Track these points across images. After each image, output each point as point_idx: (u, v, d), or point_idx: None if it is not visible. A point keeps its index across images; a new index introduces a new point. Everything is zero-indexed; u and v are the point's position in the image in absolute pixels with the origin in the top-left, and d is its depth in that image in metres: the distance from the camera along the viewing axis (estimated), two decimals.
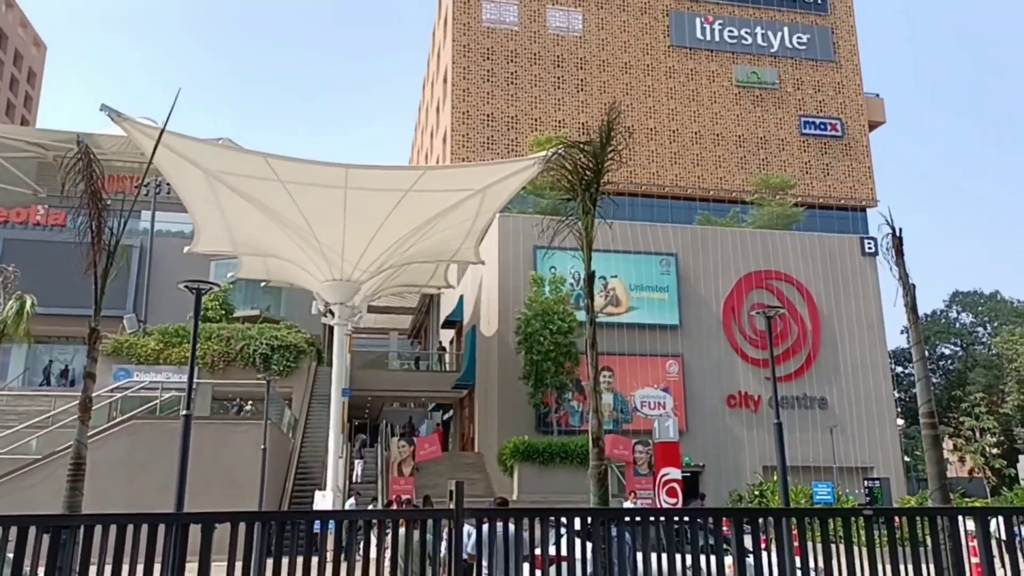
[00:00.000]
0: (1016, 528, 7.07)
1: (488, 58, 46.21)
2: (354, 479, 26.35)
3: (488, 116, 45.34)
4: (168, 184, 26.26)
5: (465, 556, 6.96)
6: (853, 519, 6.84)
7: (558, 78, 46.88)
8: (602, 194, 12.21)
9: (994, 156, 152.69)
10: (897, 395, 43.45)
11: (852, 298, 33.84)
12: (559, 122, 45.09)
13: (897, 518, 7.37)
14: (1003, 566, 6.96)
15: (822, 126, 49.15)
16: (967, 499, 26.10)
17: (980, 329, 57.41)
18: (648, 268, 32.15)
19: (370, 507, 21.90)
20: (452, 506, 5.96)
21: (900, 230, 11.28)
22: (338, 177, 19.64)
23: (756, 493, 26.40)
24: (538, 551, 6.28)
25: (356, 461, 27.56)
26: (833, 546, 6.53)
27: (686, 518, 7.07)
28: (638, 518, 6.85)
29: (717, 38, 49.43)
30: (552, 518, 6.51)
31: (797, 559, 6.62)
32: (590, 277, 11.64)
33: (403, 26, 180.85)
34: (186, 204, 22.64)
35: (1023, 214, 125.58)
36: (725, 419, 31.32)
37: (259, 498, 19.75)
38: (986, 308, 57.18)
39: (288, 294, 36.84)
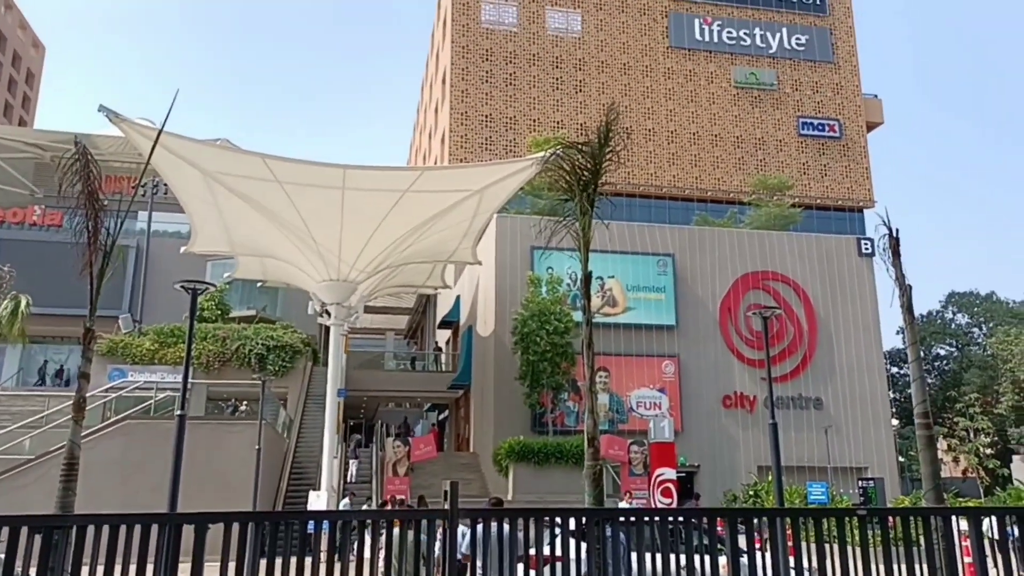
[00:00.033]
0: (1009, 528, 7.09)
1: (487, 59, 46.23)
2: (349, 479, 26.32)
3: (486, 117, 45.35)
4: (165, 184, 26.21)
5: (459, 556, 6.96)
6: (847, 519, 6.85)
7: (556, 79, 46.91)
8: (600, 195, 12.22)
9: (992, 157, 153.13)
10: (892, 395, 43.55)
11: (848, 299, 33.90)
12: (557, 123, 45.12)
13: (891, 518, 7.39)
14: (996, 566, 6.98)
15: (820, 127, 49.25)
16: (961, 499, 26.13)
17: (976, 330, 57.52)
18: (645, 268, 32.18)
19: (364, 507, 21.87)
20: (447, 506, 5.96)
21: (897, 231, 11.31)
22: (336, 178, 19.63)
23: (751, 493, 26.42)
24: (533, 551, 6.27)
25: (351, 461, 27.53)
26: (827, 546, 6.53)
27: (681, 518, 7.07)
28: (633, 518, 6.86)
29: (716, 39, 49.51)
30: (547, 518, 6.51)
31: (791, 559, 6.63)
32: (587, 277, 11.65)
33: (402, 27, 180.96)
34: (183, 204, 22.61)
35: (1020, 215, 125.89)
36: (721, 419, 31.35)
37: (253, 498, 19.73)
38: (982, 309, 57.30)
39: (284, 294, 36.80)
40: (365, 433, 38.72)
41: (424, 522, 6.71)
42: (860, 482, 26.52)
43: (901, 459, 41.68)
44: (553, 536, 6.41)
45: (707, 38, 49.42)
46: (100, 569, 5.25)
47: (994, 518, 7.38)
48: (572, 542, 6.26)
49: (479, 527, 6.31)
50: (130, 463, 20.77)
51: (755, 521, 7.14)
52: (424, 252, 25.38)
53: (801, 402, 32.14)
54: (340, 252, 22.09)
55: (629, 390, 30.76)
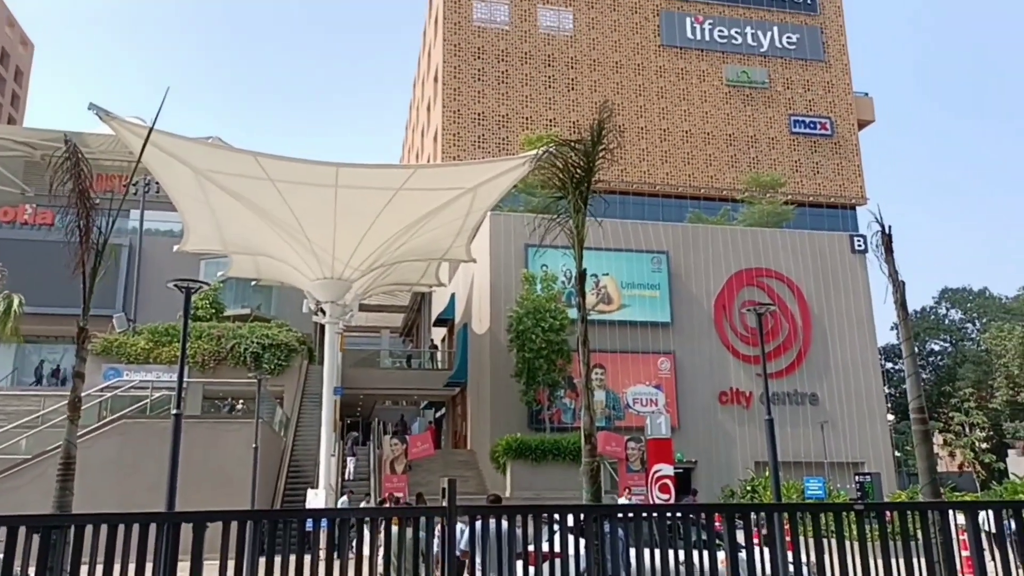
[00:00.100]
0: (1005, 521, 7.12)
1: (479, 57, 46.17)
2: (347, 477, 26.31)
3: (479, 115, 45.31)
4: (157, 183, 26.13)
5: (458, 553, 6.96)
6: (844, 514, 6.88)
7: (549, 77, 46.90)
8: (593, 192, 12.23)
9: (984, 153, 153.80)
10: (887, 391, 43.71)
11: (842, 295, 34.01)
12: (550, 121, 45.10)
13: (888, 513, 7.41)
14: (993, 559, 7.01)
15: (812, 125, 49.36)
16: (957, 493, 26.25)
17: (969, 325, 57.78)
18: (639, 266, 32.22)
19: (362, 505, 21.86)
20: (445, 503, 5.96)
21: (889, 228, 11.36)
22: (328, 176, 19.60)
23: (748, 489, 26.49)
24: (531, 548, 6.28)
25: (348, 459, 27.52)
26: (825, 541, 6.55)
27: (679, 514, 7.09)
28: (631, 514, 6.87)
29: (707, 38, 49.56)
30: (545, 515, 6.52)
31: (789, 554, 6.65)
32: (581, 275, 11.66)
33: (394, 25, 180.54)
34: (175, 203, 22.55)
35: (1014, 211, 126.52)
36: (717, 415, 31.43)
37: (251, 497, 19.70)
38: (975, 304, 57.56)
39: (279, 293, 36.75)
40: (362, 431, 38.73)
41: (423, 519, 6.71)
42: (857, 477, 26.61)
43: (897, 454, 41.85)
44: (551, 532, 6.42)
45: (698, 36, 49.46)
46: (99, 568, 5.23)
47: (990, 512, 7.41)
48: (570, 538, 6.27)
49: (477, 524, 6.31)
50: (127, 462, 20.71)
51: (753, 516, 7.15)
52: (418, 250, 25.38)
53: (797, 398, 32.25)
54: (334, 250, 22.06)
55: (625, 387, 30.82)
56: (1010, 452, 46.81)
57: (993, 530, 7.27)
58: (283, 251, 22.70)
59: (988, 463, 47.85)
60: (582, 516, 6.48)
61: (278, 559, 5.56)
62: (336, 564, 5.76)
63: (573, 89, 47.02)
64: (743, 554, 6.56)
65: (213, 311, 32.98)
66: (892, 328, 52.04)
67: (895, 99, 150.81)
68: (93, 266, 10.45)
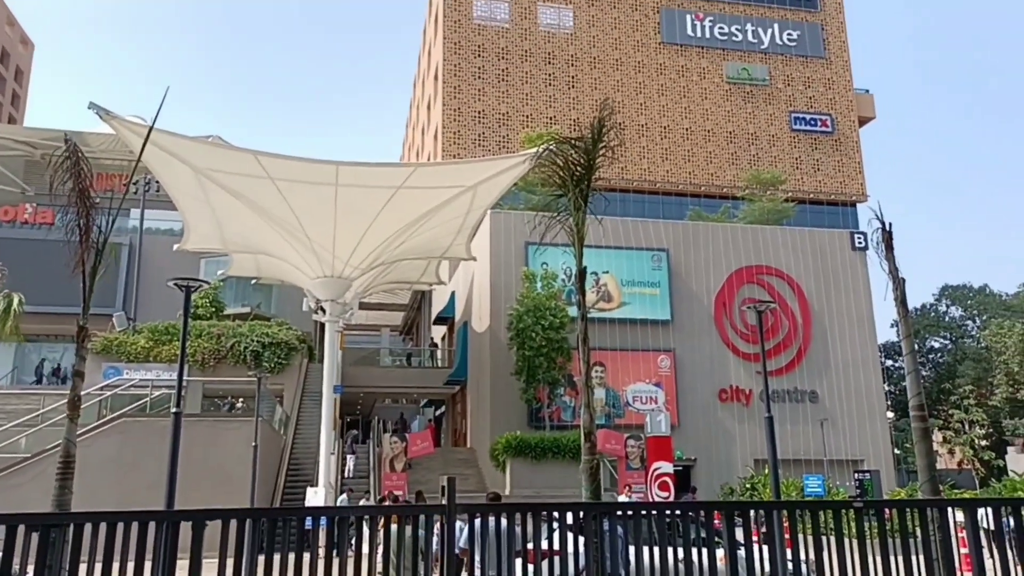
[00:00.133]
0: (1004, 519, 7.12)
1: (479, 55, 46.16)
2: (346, 475, 26.34)
3: (479, 113, 45.30)
4: (157, 182, 26.13)
5: (457, 551, 6.96)
6: (844, 511, 6.88)
7: (549, 75, 46.88)
8: (593, 190, 12.22)
9: (985, 150, 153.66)
10: (887, 388, 43.73)
11: (842, 292, 34.00)
12: (550, 119, 45.07)
13: (887, 510, 7.41)
14: (991, 557, 7.01)
15: (812, 122, 49.35)
16: (956, 491, 26.26)
17: (969, 322, 57.81)
18: (640, 263, 32.21)
19: (361, 503, 21.88)
20: (444, 501, 5.96)
21: (889, 225, 11.34)
22: (328, 174, 19.59)
23: (747, 486, 26.51)
24: (531, 546, 6.28)
25: (348, 457, 27.55)
26: (824, 538, 6.56)
27: (678, 512, 7.09)
28: (630, 512, 6.88)
29: (708, 35, 49.53)
30: (544, 513, 6.52)
31: (788, 551, 6.65)
32: (582, 273, 11.66)
33: (394, 24, 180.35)
34: (175, 202, 22.55)
35: (1014, 208, 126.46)
36: (717, 413, 31.44)
37: (251, 495, 19.70)
38: (975, 302, 57.57)
39: (279, 291, 36.78)
40: (362, 429, 38.76)
41: (422, 517, 6.71)
42: (856, 475, 26.61)
43: (897, 451, 41.86)
44: (551, 530, 6.42)
45: (699, 34, 49.43)
46: (98, 567, 5.23)
47: (989, 509, 7.42)
48: (570, 536, 6.27)
49: (477, 522, 6.31)
50: (126, 461, 20.72)
51: (752, 514, 7.16)
52: (418, 248, 25.37)
53: (796, 395, 32.25)
54: (334, 249, 22.06)
55: (625, 385, 30.82)
56: (1009, 449, 46.87)
57: (992, 528, 7.27)
58: (283, 249, 22.70)
59: (987, 460, 47.90)
60: (581, 514, 6.48)
61: (277, 557, 5.57)
62: (335, 562, 5.76)
63: (573, 87, 47.00)
64: (742, 552, 6.56)
65: (213, 310, 33.00)
66: (892, 325, 52.14)
67: (896, 96, 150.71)
68: (93, 265, 10.46)
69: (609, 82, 47.24)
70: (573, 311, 26.44)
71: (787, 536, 6.70)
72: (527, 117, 45.44)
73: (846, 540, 6.51)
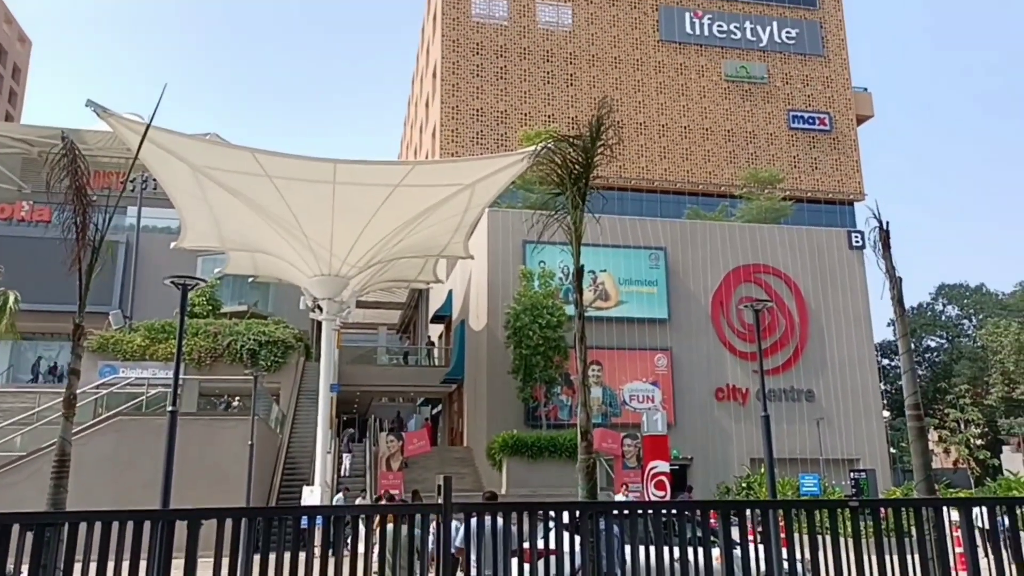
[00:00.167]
0: (999, 518, 7.14)
1: (477, 53, 46.11)
2: (342, 474, 26.33)
3: (477, 111, 45.26)
4: (155, 179, 26.08)
5: (453, 550, 6.96)
6: (840, 511, 6.88)
7: (548, 73, 46.84)
8: (591, 188, 12.18)
9: (983, 149, 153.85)
10: (883, 387, 43.77)
11: (839, 291, 34.02)
12: (548, 117, 45.05)
13: (883, 509, 7.42)
14: (987, 555, 7.03)
15: (810, 120, 49.37)
16: (952, 490, 26.33)
17: (965, 322, 57.92)
18: (637, 262, 32.20)
19: (357, 501, 21.87)
20: (441, 500, 5.95)
21: (887, 224, 11.35)
22: (326, 172, 19.57)
23: (744, 485, 26.53)
24: (527, 545, 6.28)
25: (344, 456, 27.54)
26: (819, 537, 6.56)
27: (674, 511, 7.09)
28: (626, 511, 6.87)
29: (706, 33, 49.53)
30: (540, 512, 6.51)
31: (784, 551, 6.66)
32: (579, 271, 11.63)
33: (394, 24, 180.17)
34: (172, 199, 22.51)
35: (1011, 207, 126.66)
36: (713, 412, 31.45)
37: (247, 494, 19.67)
38: (972, 301, 57.68)
39: (276, 289, 36.74)
40: (358, 428, 38.72)
41: (418, 516, 6.71)
42: (852, 474, 26.67)
43: (892, 450, 41.95)
44: (547, 530, 6.42)
45: (697, 31, 49.43)
46: (93, 566, 5.22)
47: (984, 508, 7.43)
48: (566, 535, 6.27)
49: (473, 521, 6.31)
50: (122, 459, 20.69)
51: (748, 513, 7.16)
52: (416, 246, 25.35)
53: (793, 394, 32.27)
54: (331, 247, 22.04)
55: (622, 383, 30.82)
56: (1005, 448, 47.00)
57: (987, 527, 7.28)
58: (280, 248, 22.67)
59: (983, 459, 47.98)
60: (578, 513, 6.48)
61: (273, 557, 5.56)
62: (331, 561, 5.75)
63: (572, 85, 46.97)
64: (738, 551, 6.56)
65: (210, 308, 32.96)
66: (889, 324, 52.21)
67: (894, 94, 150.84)
68: (90, 263, 10.44)
69: (607, 80, 47.22)
70: (570, 310, 26.44)
71: (783, 535, 6.71)
72: (525, 115, 45.41)
73: (842, 539, 6.52)
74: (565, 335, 27.21)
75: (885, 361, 52.23)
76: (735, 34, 49.75)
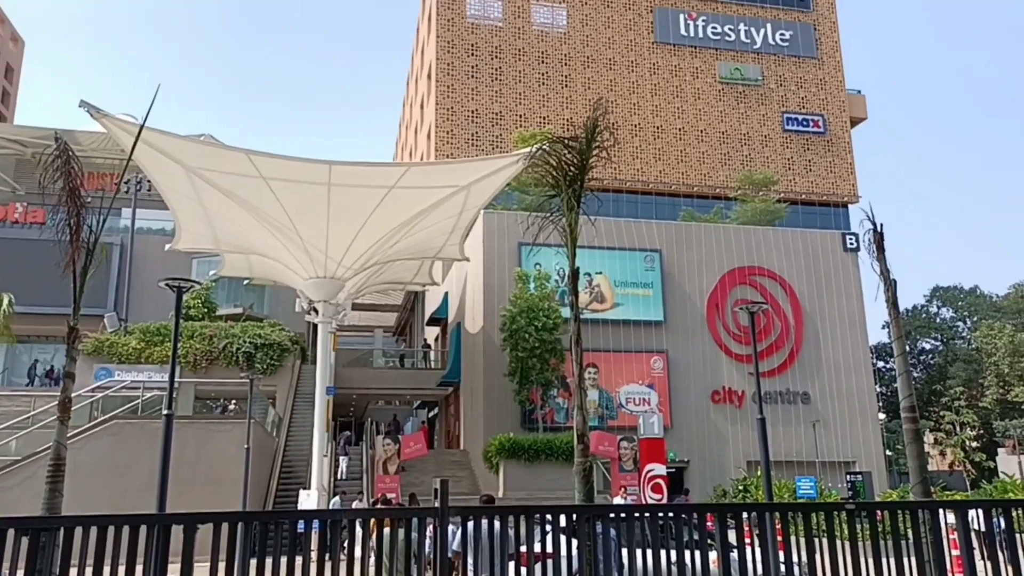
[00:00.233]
0: (995, 520, 7.15)
1: (472, 54, 46.11)
2: (339, 477, 26.27)
3: (472, 112, 45.25)
4: (149, 181, 26.00)
5: (450, 554, 6.95)
6: (836, 513, 6.89)
7: (542, 74, 46.87)
8: (586, 190, 12.19)
9: (978, 151, 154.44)
10: (879, 390, 43.89)
11: (834, 294, 34.10)
12: (543, 118, 45.07)
13: (879, 512, 7.43)
14: (983, 558, 7.04)
15: (804, 122, 49.49)
16: (947, 492, 26.41)
17: (960, 324, 58.05)
18: (633, 264, 32.24)
19: (354, 505, 21.83)
20: (437, 504, 5.94)
21: (881, 226, 11.39)
22: (321, 173, 19.52)
23: (740, 488, 26.55)
24: (524, 548, 6.27)
25: (341, 459, 27.47)
26: (816, 540, 6.57)
27: (671, 514, 7.09)
28: (623, 514, 6.87)
29: (701, 34, 49.62)
30: (537, 515, 6.51)
31: (781, 553, 6.66)
32: (575, 273, 11.63)
33: (391, 26, 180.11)
34: (167, 201, 22.44)
35: (1005, 209, 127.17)
36: (709, 414, 31.49)
37: (243, 498, 19.63)
38: (966, 303, 57.82)
39: (271, 292, 36.66)
40: (355, 431, 38.65)
41: (415, 520, 6.69)
42: (848, 476, 26.71)
43: (888, 453, 42.03)
44: (544, 533, 6.41)
45: (692, 33, 49.52)
46: (88, 571, 5.19)
47: (980, 511, 7.44)
48: (563, 539, 6.26)
49: (470, 524, 6.30)
50: (118, 463, 20.62)
51: (745, 516, 7.16)
52: (411, 248, 25.32)
53: (789, 397, 32.33)
54: (327, 249, 21.99)
55: (618, 386, 30.83)
56: (1000, 451, 47.12)
57: (983, 529, 7.30)
58: (276, 250, 22.61)
59: (978, 462, 48.11)
60: (574, 516, 6.47)
61: (269, 561, 5.54)
62: (327, 565, 5.73)
63: (567, 86, 47.01)
64: (735, 554, 6.56)
65: (205, 310, 32.86)
66: (884, 327, 52.43)
67: (888, 97, 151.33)
68: (84, 265, 10.40)
69: (602, 81, 47.27)
70: (566, 312, 26.44)
71: (780, 538, 6.71)
72: (520, 116, 45.43)
73: (838, 542, 6.52)
74: (561, 337, 27.22)
75: (880, 363, 52.36)
76: (729, 36, 49.87)
